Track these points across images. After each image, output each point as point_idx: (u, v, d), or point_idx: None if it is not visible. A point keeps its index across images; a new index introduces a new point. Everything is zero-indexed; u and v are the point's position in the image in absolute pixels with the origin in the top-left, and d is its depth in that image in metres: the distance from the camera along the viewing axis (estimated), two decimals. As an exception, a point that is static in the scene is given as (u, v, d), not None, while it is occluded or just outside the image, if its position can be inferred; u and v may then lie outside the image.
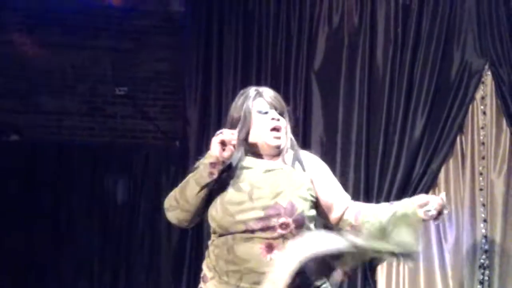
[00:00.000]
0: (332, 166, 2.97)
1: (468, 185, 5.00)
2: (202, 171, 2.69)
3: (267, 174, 2.74)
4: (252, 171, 2.75)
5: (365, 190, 5.04)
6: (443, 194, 2.72)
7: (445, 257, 4.97)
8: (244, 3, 5.48)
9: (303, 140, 5.04)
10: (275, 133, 2.80)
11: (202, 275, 2.79)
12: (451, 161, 5.06)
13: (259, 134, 2.80)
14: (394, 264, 4.98)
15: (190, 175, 2.75)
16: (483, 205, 4.97)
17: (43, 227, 5.57)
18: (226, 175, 2.73)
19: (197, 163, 2.78)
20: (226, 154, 2.66)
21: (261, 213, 2.65)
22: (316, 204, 2.79)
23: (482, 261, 4.90)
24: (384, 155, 5.06)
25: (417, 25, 5.10)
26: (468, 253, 4.93)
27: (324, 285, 2.71)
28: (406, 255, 2.58)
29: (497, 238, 4.91)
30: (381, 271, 5.05)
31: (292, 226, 2.66)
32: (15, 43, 5.75)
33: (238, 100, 2.86)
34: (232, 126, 2.80)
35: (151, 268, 5.66)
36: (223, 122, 3.04)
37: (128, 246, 5.67)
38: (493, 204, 4.95)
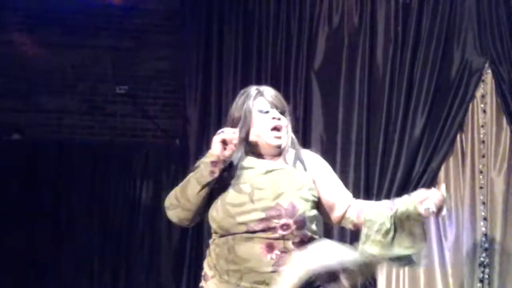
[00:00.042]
0: (332, 166, 2.97)
1: (468, 183, 5.01)
2: (203, 170, 2.68)
3: (268, 175, 2.73)
4: (253, 171, 2.74)
5: (365, 189, 5.05)
6: (443, 187, 2.72)
7: (445, 255, 4.98)
8: (244, 3, 5.48)
9: (303, 139, 5.04)
10: (275, 133, 2.79)
11: (203, 273, 2.79)
12: (451, 160, 5.07)
13: (260, 134, 2.79)
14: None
15: (191, 174, 2.75)
16: (483, 203, 4.98)
17: (43, 226, 5.57)
18: (227, 175, 2.72)
19: (198, 162, 2.78)
20: (227, 153, 2.66)
21: (262, 215, 2.64)
22: (317, 204, 2.78)
23: (482, 259, 4.91)
24: (384, 154, 5.07)
25: (417, 24, 5.10)
26: (468, 251, 4.94)
27: None
28: (411, 260, 2.60)
29: (497, 236, 4.92)
30: (381, 270, 5.05)
31: (293, 227, 2.65)
32: (15, 43, 5.75)
33: (239, 99, 2.85)
34: (233, 126, 2.78)
35: (151, 267, 5.66)
36: (223, 121, 3.05)
37: (128, 244, 5.67)
38: (493, 202, 4.96)
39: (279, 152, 2.82)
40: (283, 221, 2.64)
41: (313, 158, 2.89)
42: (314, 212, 2.75)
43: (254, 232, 2.64)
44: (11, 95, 5.80)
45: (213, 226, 2.74)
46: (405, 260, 2.63)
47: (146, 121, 5.94)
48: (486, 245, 4.92)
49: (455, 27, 5.08)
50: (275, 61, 5.37)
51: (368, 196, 4.89)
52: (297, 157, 2.84)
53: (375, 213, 2.69)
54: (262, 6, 5.44)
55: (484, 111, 5.05)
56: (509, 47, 4.94)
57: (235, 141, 2.66)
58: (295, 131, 3.00)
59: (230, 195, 2.70)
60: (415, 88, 5.06)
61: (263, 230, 2.63)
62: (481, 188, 5.00)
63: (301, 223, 2.67)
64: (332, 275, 2.55)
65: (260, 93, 2.85)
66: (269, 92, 2.87)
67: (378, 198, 4.78)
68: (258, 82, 4.95)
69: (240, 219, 2.65)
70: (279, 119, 2.81)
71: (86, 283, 5.62)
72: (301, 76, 5.30)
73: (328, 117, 5.25)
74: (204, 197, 2.71)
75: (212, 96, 5.46)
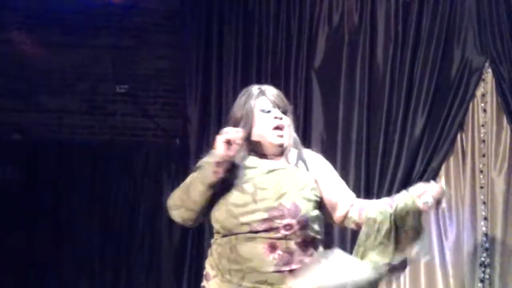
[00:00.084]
0: (332, 165, 2.97)
1: (468, 183, 5.00)
2: (207, 170, 2.68)
3: (271, 175, 2.73)
4: (256, 171, 2.74)
5: (366, 189, 5.04)
6: (442, 181, 2.71)
7: (445, 255, 4.97)
8: (244, 3, 5.47)
9: (304, 138, 5.03)
10: (278, 132, 2.80)
11: (204, 273, 2.79)
12: (451, 159, 5.06)
13: (262, 133, 2.79)
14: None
15: (194, 174, 2.74)
16: (484, 203, 4.97)
17: (43, 226, 5.56)
18: (229, 175, 2.71)
19: (200, 162, 2.78)
20: (231, 153, 2.66)
21: (264, 215, 2.64)
22: (320, 204, 2.78)
23: (482, 259, 4.91)
24: (385, 154, 5.06)
25: (417, 23, 5.10)
26: (469, 251, 4.94)
27: None
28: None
29: (498, 236, 4.91)
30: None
31: (296, 227, 2.66)
32: (15, 42, 5.75)
33: (241, 99, 2.85)
34: (235, 125, 2.78)
35: (151, 267, 5.65)
36: (224, 121, 3.04)
37: (128, 244, 5.66)
38: (493, 202, 4.95)
39: (281, 151, 2.81)
40: (286, 221, 2.64)
41: (315, 158, 2.89)
42: (317, 212, 2.76)
43: (257, 232, 2.64)
44: (11, 95, 5.79)
45: (216, 226, 2.74)
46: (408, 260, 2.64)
47: (146, 121, 5.93)
48: (487, 245, 4.91)
49: (455, 26, 5.07)
50: (275, 61, 5.37)
51: (368, 195, 4.87)
52: (299, 157, 2.84)
53: (375, 211, 2.69)
54: (262, 6, 5.44)
55: (485, 110, 5.05)
56: (510, 46, 4.94)
57: (239, 141, 2.66)
58: (295, 127, 2.99)
59: (233, 195, 2.69)
60: (415, 87, 5.06)
61: (265, 230, 2.64)
62: (481, 187, 4.99)
63: (304, 223, 2.67)
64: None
65: (262, 93, 2.85)
66: (271, 91, 2.87)
67: (378, 197, 4.70)
68: (258, 82, 4.91)
69: (243, 219, 2.65)
70: (281, 118, 2.81)
71: (86, 283, 5.60)
72: (301, 76, 5.29)
73: (328, 116, 5.24)
74: (209, 197, 2.70)
75: (212, 96, 5.46)
